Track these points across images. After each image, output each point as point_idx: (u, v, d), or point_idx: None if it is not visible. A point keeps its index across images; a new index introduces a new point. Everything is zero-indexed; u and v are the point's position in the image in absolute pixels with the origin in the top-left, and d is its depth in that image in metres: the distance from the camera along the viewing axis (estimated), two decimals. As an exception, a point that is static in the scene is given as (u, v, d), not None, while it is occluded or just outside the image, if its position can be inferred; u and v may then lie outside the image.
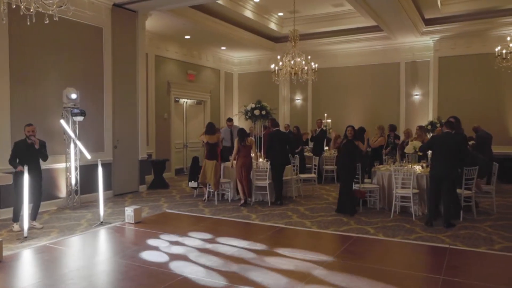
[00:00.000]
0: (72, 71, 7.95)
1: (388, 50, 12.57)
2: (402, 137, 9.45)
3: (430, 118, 11.57)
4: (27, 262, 4.91)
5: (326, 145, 11.22)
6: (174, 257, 4.87)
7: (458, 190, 6.61)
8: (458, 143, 6.34)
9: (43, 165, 7.38)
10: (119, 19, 8.85)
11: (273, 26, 12.12)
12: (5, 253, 4.90)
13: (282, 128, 11.72)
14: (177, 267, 4.52)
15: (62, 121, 7.52)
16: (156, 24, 10.15)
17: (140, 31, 9.35)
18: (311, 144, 11.75)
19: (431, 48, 11.91)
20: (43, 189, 7.37)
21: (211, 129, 8.19)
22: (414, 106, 12.44)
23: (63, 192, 7.82)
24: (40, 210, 7.19)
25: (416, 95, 12.38)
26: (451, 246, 5.27)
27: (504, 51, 8.56)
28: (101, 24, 8.46)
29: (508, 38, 8.56)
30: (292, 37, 9.96)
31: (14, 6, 4.60)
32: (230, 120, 10.47)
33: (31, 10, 4.29)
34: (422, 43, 12.01)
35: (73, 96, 7.54)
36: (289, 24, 11.26)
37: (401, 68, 12.51)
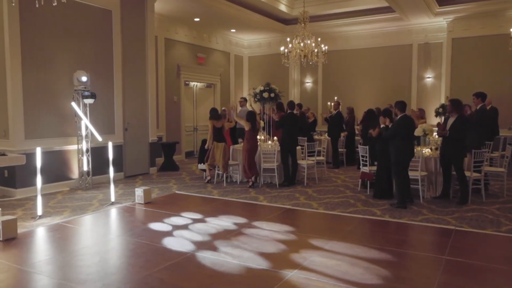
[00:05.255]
0: (82, 54, 8.03)
1: (400, 32, 12.36)
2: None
3: (442, 101, 11.41)
4: (40, 239, 5.08)
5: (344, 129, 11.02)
6: (181, 235, 4.99)
7: (467, 173, 6.60)
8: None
9: (56, 147, 7.60)
10: (128, 1, 8.87)
11: (283, 8, 11.98)
12: (20, 230, 5.08)
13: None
14: (184, 245, 4.64)
15: (73, 104, 7.64)
16: (165, 6, 10.12)
17: (149, 13, 9.36)
18: (323, 127, 11.72)
19: (444, 29, 11.66)
20: (57, 170, 7.61)
21: (215, 114, 8.32)
22: (426, 88, 12.27)
23: (75, 173, 8.00)
24: (53, 191, 7.46)
25: (428, 77, 12.19)
26: (457, 228, 5.28)
27: (519, 32, 8.34)
28: (110, 7, 8.49)
29: (524, 18, 8.33)
30: (302, 19, 9.86)
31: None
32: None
33: (39, -8, 4.35)
34: (435, 24, 11.76)
35: (84, 79, 7.63)
36: (299, 5, 11.12)
37: (414, 50, 12.30)
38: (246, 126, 8.00)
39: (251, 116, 8.07)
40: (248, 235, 5.00)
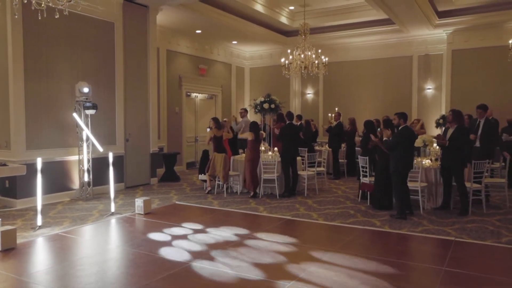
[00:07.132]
0: (84, 66, 8.12)
1: (400, 44, 12.45)
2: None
3: (443, 112, 11.44)
4: (39, 249, 5.08)
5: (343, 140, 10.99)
6: (179, 246, 4.98)
7: (467, 184, 6.60)
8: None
9: (57, 157, 7.63)
10: (130, 13, 8.99)
11: (284, 20, 12.11)
12: (19, 240, 5.08)
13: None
14: (182, 255, 4.63)
15: (75, 115, 7.70)
16: (167, 18, 10.26)
17: (151, 25, 9.48)
18: (324, 138, 11.75)
19: (444, 41, 11.74)
20: (57, 180, 7.63)
21: (218, 123, 8.39)
22: (426, 100, 12.30)
23: (76, 184, 8.02)
24: (54, 201, 7.47)
25: (429, 88, 12.24)
26: (456, 239, 5.26)
27: (517, 44, 8.40)
28: (113, 19, 8.60)
29: (522, 30, 8.40)
30: (303, 30, 9.96)
31: (25, 1, 4.72)
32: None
33: (42, 5, 4.41)
34: (435, 36, 11.85)
35: (86, 90, 7.70)
36: (300, 17, 11.23)
37: (414, 61, 12.37)
38: (249, 136, 8.04)
39: (254, 127, 8.12)
40: (246, 246, 4.99)
